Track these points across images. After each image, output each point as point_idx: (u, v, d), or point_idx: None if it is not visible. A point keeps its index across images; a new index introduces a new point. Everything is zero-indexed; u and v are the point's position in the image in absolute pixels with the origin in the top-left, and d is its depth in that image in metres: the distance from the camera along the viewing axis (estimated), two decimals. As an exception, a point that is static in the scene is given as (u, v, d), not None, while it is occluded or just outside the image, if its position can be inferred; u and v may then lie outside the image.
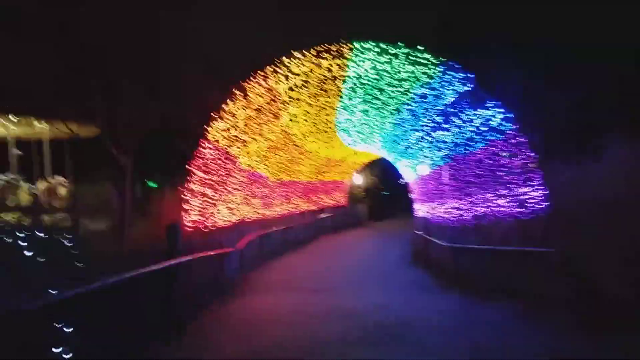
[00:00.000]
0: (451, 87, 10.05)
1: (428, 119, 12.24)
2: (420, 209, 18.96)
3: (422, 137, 13.52)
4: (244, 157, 13.90)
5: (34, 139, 11.76)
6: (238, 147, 12.76)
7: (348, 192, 34.94)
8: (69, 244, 6.76)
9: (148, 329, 6.90)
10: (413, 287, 12.83)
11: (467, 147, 11.45)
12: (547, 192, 9.28)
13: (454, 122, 11.22)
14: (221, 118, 10.63)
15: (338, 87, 12.16)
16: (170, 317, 7.91)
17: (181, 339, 7.66)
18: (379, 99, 12.59)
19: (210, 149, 10.72)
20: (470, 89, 9.58)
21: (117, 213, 9.39)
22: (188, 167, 10.03)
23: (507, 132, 9.70)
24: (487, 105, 9.59)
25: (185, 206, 9.74)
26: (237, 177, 14.16)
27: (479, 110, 9.99)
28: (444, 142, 12.39)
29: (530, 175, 9.62)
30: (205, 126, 10.10)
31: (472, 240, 12.19)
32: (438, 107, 11.28)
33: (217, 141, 11.01)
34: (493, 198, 11.11)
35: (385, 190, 43.85)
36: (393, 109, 12.97)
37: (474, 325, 8.24)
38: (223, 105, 10.18)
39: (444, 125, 11.77)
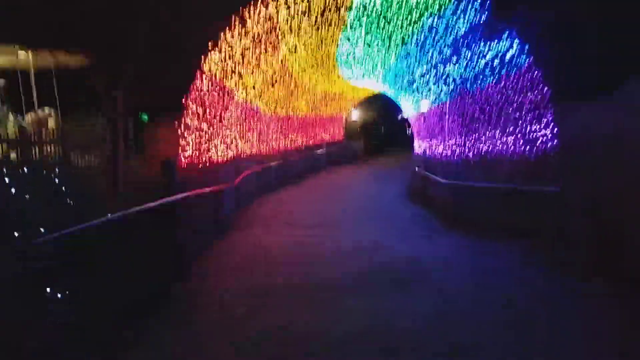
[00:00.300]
0: (464, 17, 9.39)
1: (436, 52, 11.61)
2: (421, 146, 18.64)
3: (428, 71, 12.93)
4: (240, 90, 13.30)
5: (20, 69, 11.05)
6: (235, 80, 12.14)
7: (344, 128, 34.42)
8: (59, 180, 6.41)
9: (150, 270, 6.71)
10: (414, 225, 12.73)
11: (475, 82, 10.94)
12: (558, 130, 8.93)
13: (463, 55, 10.63)
14: (218, 48, 9.96)
15: (341, 16, 11.40)
16: (174, 257, 7.74)
17: (185, 281, 7.53)
18: (385, 30, 11.87)
19: (206, 81, 10.13)
20: (484, 19, 8.94)
21: (109, 147, 8.95)
22: (183, 101, 9.49)
23: (521, 66, 9.18)
24: (502, 36, 8.99)
25: (181, 141, 9.32)
26: (233, 111, 13.63)
27: (492, 42, 9.39)
28: (452, 76, 11.83)
29: (541, 112, 9.22)
30: (202, 56, 9.45)
31: (475, 178, 11.95)
32: (448, 40, 10.64)
33: (213, 73, 10.40)
34: (500, 135, 10.75)
35: (382, 126, 43.32)
36: (399, 41, 12.28)
37: (483, 269, 8.11)
38: (221, 34, 9.48)
39: (452, 59, 11.17)
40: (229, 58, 10.74)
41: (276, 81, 16.97)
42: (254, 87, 14.91)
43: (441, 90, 13.04)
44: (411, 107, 19.66)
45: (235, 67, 11.51)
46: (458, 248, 9.57)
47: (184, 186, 8.76)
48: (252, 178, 17.22)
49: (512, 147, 10.33)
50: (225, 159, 13.37)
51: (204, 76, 9.89)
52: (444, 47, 10.95)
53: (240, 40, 10.67)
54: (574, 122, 8.75)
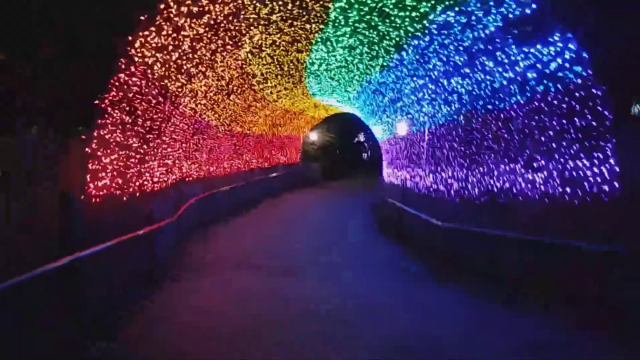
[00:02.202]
0: (496, 12, 7.01)
1: (440, 61, 9.22)
2: (396, 175, 16.27)
3: (424, 85, 10.52)
4: (187, 97, 10.38)
5: None
6: (180, 82, 9.23)
7: (301, 149, 31.79)
8: None
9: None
10: (393, 271, 10.26)
11: (493, 100, 8.60)
12: (621, 168, 6.65)
13: (481, 64, 8.27)
14: (156, 28, 7.04)
15: (324, 7, 8.79)
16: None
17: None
18: (376, 29, 9.38)
19: (137, 77, 7.16)
20: (530, 12, 6.58)
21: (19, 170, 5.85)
22: (99, 104, 6.47)
23: (570, 80, 6.88)
24: (551, 38, 6.66)
25: (92, 165, 6.27)
26: (178, 124, 10.66)
27: (532, 46, 7.04)
28: (458, 93, 9.46)
29: (594, 143, 6.92)
30: (129, 38, 6.50)
31: (483, 224, 9.55)
32: (463, 43, 8.25)
33: (148, 65, 7.44)
34: (523, 171, 8.41)
35: (340, 149, 41.09)
36: (392, 45, 9.83)
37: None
38: (161, 7, 6.58)
39: (464, 70, 8.80)
40: (173, 47, 7.82)
41: (233, 90, 14.12)
42: (205, 96, 11.99)
43: (438, 110, 10.66)
44: (383, 130, 17.34)
45: (181, 62, 8.60)
46: (473, 322, 6.94)
47: (95, 231, 5.75)
48: (198, 207, 14.18)
49: (542, 186, 7.99)
50: (164, 185, 10.34)
51: (132, 67, 6.91)
52: (456, 53, 8.55)
53: (190, 22, 7.81)
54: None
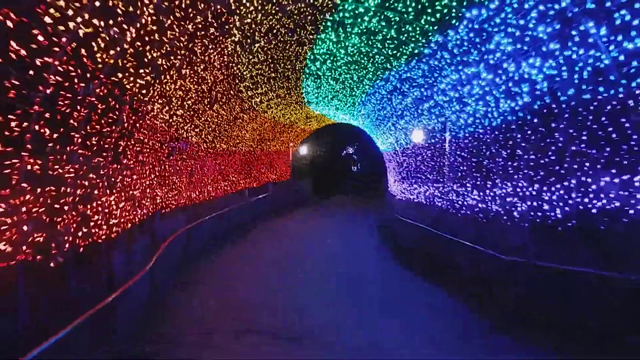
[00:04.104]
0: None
1: (509, 36, 6.66)
2: (415, 191, 13.64)
3: (474, 75, 7.95)
4: (157, 103, 7.61)
5: None
6: (144, 79, 6.47)
7: (291, 165, 29.01)
8: None
9: None
10: (444, 325, 7.61)
11: (592, 88, 6.05)
12: None
13: (582, 35, 5.72)
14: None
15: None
16: None
17: None
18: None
19: (61, 61, 4.39)
20: None
21: None
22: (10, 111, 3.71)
23: None
24: None
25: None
26: (146, 141, 7.88)
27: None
28: (530, 81, 6.89)
29: None
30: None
31: (584, 262, 6.96)
32: (554, 4, 5.70)
33: (83, 45, 4.66)
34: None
35: (331, 162, 38.49)
36: (434, 21, 7.27)
37: None
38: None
39: (547, 47, 6.24)
40: (126, 17, 5.06)
41: (217, 99, 11.38)
42: (182, 104, 9.24)
43: (492, 108, 8.07)
44: (396, 139, 14.76)
45: (143, 48, 5.83)
46: None
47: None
48: (178, 244, 11.34)
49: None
50: (130, 225, 7.51)
51: (42, 38, 4.16)
52: (539, 21, 5.99)
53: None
54: None
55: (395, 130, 13.92)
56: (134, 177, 7.55)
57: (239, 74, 10.66)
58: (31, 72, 3.96)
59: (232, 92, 12.01)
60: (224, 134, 14.84)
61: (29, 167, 4.09)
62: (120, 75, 5.39)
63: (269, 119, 18.65)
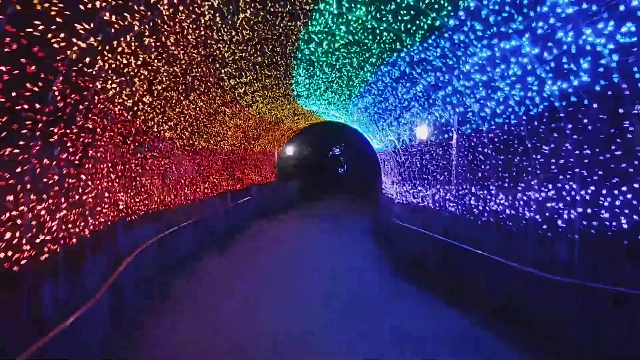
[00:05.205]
0: None
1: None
2: (418, 194, 12.08)
3: (513, 51, 6.41)
4: (113, 82, 5.90)
5: None
6: (85, 42, 4.78)
7: (276, 166, 27.24)
8: None
9: None
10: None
11: None
12: None
13: (627, 7, 4.21)
14: None
15: None
16: None
17: None
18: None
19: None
20: None
21: None
22: None
23: None
24: None
25: None
26: (100, 131, 6.17)
27: None
28: (593, 53, 5.38)
29: None
30: None
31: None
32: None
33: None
34: None
35: (318, 163, 36.90)
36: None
37: None
38: None
39: (625, 6, 4.74)
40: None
41: (193, 86, 9.70)
42: (149, 88, 7.54)
43: (534, 93, 6.54)
44: (398, 135, 13.23)
45: (116, 24, 4.14)
46: None
47: None
48: (148, 256, 9.62)
49: None
50: (74, 240, 5.79)
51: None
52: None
53: None
54: None
55: (398, 125, 12.35)
56: (82, 177, 5.83)
57: (220, 55, 8.99)
58: None
59: (211, 79, 10.32)
60: (203, 130, 13.12)
61: None
62: (42, 26, 3.70)
63: (254, 115, 16.96)
